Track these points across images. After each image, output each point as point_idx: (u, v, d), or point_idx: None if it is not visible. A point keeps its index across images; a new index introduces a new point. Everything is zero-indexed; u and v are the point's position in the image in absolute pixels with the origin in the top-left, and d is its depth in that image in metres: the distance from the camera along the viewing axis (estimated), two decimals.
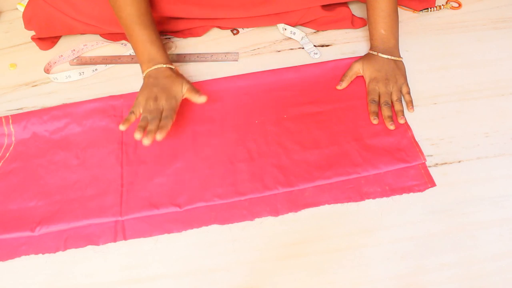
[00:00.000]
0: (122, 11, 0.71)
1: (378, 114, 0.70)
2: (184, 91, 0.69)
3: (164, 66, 0.70)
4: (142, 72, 0.71)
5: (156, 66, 0.70)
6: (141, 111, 0.67)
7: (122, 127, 0.64)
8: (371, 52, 0.76)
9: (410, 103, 0.71)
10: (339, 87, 0.74)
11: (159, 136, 0.63)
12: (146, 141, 0.62)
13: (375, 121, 0.69)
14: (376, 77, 0.73)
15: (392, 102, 0.72)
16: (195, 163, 0.68)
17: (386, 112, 0.70)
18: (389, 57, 0.74)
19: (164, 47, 0.73)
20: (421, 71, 0.77)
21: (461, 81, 0.75)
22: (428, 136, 0.69)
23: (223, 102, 0.75)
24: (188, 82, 0.70)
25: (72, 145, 0.72)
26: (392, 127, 0.69)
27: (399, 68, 0.74)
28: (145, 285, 0.59)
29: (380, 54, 0.74)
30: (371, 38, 0.77)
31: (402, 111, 0.70)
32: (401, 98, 0.72)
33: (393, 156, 0.66)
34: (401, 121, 0.69)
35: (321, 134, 0.69)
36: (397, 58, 0.75)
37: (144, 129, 0.64)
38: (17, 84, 0.83)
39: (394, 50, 0.76)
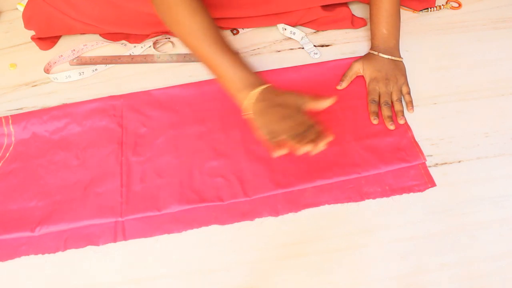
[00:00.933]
0: (194, 40, 0.63)
1: (378, 114, 0.70)
2: (301, 102, 0.62)
3: (265, 86, 0.62)
4: (242, 99, 0.62)
5: (259, 88, 0.62)
6: (282, 136, 0.59)
7: (279, 153, 0.59)
8: (371, 51, 0.76)
9: (410, 104, 0.71)
10: (339, 87, 0.74)
11: (330, 137, 0.58)
12: (315, 150, 0.58)
13: (375, 121, 0.69)
14: (376, 77, 0.73)
15: (392, 102, 0.72)
16: (195, 163, 0.68)
17: (386, 112, 0.70)
18: (389, 57, 0.74)
19: (252, 68, 0.64)
20: (421, 71, 0.77)
21: (461, 81, 0.75)
22: (428, 136, 0.69)
23: (223, 101, 0.75)
24: (299, 93, 0.63)
25: (72, 145, 0.72)
26: (392, 127, 0.69)
27: (399, 68, 0.74)
28: (145, 285, 0.59)
29: (380, 54, 0.74)
30: (372, 37, 0.77)
31: (402, 111, 0.70)
32: (401, 98, 0.72)
33: (393, 156, 0.66)
34: (401, 122, 0.69)
35: None
36: (397, 58, 0.75)
37: (302, 144, 0.58)
38: (17, 84, 0.83)
39: (395, 50, 0.76)
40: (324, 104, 0.63)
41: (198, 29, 0.62)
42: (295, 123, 0.60)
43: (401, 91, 0.73)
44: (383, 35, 0.75)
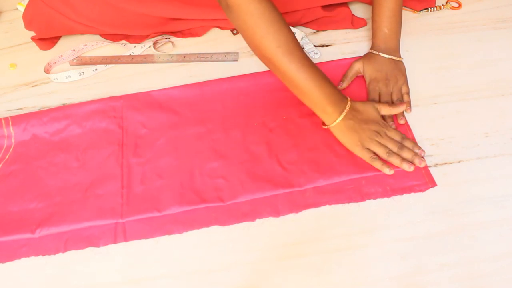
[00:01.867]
0: (289, 54, 0.62)
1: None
2: (379, 109, 0.67)
3: (348, 104, 0.65)
4: (329, 117, 0.65)
5: (345, 113, 0.64)
6: (375, 150, 0.64)
7: (391, 171, 0.63)
8: (372, 51, 0.76)
9: (408, 104, 0.71)
10: (339, 87, 0.74)
11: (423, 152, 0.65)
12: (424, 163, 0.63)
13: None
14: (376, 77, 0.73)
15: (392, 102, 0.72)
16: (196, 164, 0.68)
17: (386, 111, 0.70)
18: (390, 57, 0.74)
19: (331, 81, 0.66)
20: (421, 71, 0.77)
21: (461, 81, 0.75)
22: (428, 136, 0.69)
23: (223, 103, 0.75)
24: (374, 102, 0.68)
25: (72, 147, 0.72)
26: (392, 126, 0.68)
27: (399, 68, 0.74)
28: (146, 285, 0.59)
29: (381, 54, 0.74)
30: (374, 36, 0.77)
31: (403, 112, 0.70)
32: (401, 98, 0.72)
33: None
34: (401, 122, 0.69)
35: (321, 134, 0.69)
36: (398, 58, 0.75)
37: (405, 161, 0.63)
38: (17, 84, 0.83)
39: (396, 50, 0.76)
40: (399, 109, 0.68)
41: (285, 44, 0.61)
42: (386, 139, 0.64)
43: (400, 91, 0.73)
44: (385, 34, 0.75)
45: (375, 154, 0.64)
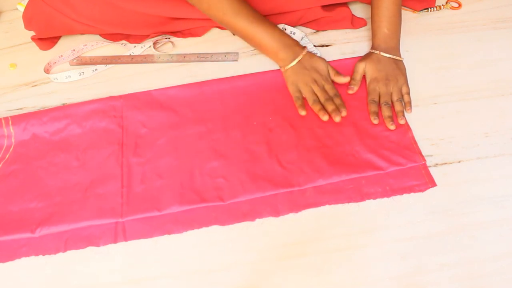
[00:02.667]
0: (234, 20, 0.74)
1: (378, 114, 0.70)
2: (328, 70, 0.75)
3: (304, 51, 0.75)
4: (280, 61, 0.75)
5: (300, 57, 0.74)
6: (305, 95, 0.73)
7: (303, 112, 0.71)
8: (372, 51, 0.76)
9: (408, 104, 0.71)
10: (350, 92, 0.74)
11: (344, 113, 0.70)
12: (338, 118, 0.69)
13: (375, 121, 0.69)
14: (376, 77, 0.73)
15: (392, 102, 0.72)
16: (196, 163, 0.68)
17: (386, 112, 0.70)
18: (391, 56, 0.74)
19: (285, 32, 0.77)
20: (421, 71, 0.77)
21: (461, 81, 0.75)
22: (428, 136, 0.69)
23: (223, 102, 0.75)
24: (326, 63, 0.75)
25: (72, 147, 0.72)
26: (392, 127, 0.69)
27: (399, 68, 0.74)
28: (146, 285, 0.59)
29: (382, 53, 0.74)
30: (374, 36, 0.77)
31: (403, 112, 0.70)
32: (401, 98, 0.72)
33: (393, 156, 0.66)
34: (401, 122, 0.69)
35: (321, 134, 0.69)
36: (398, 58, 0.75)
37: (323, 110, 0.70)
38: (17, 84, 0.83)
39: (396, 50, 0.76)
40: (343, 80, 0.74)
41: (231, 8, 0.73)
42: (319, 89, 0.72)
43: (401, 91, 0.73)
44: (385, 34, 0.76)
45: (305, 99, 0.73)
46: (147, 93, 0.77)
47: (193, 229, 0.62)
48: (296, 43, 0.76)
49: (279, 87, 0.76)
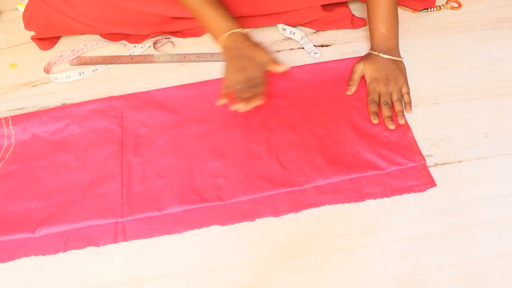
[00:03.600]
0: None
1: (378, 114, 0.70)
2: (266, 59, 0.71)
3: (237, 30, 0.72)
4: (219, 45, 0.73)
5: (229, 32, 0.71)
6: (232, 82, 0.69)
7: (221, 102, 0.69)
8: (371, 52, 0.76)
9: (408, 104, 0.71)
10: (349, 93, 0.74)
11: (258, 102, 0.67)
12: (244, 108, 0.66)
13: (375, 121, 0.69)
14: (376, 77, 0.73)
15: (392, 102, 0.72)
16: (196, 163, 0.68)
17: (386, 112, 0.70)
18: (390, 57, 0.74)
19: (235, 19, 0.74)
20: (421, 71, 0.77)
21: (461, 81, 0.75)
22: (428, 136, 0.69)
23: None
24: (267, 52, 0.72)
25: (72, 147, 0.72)
26: (392, 127, 0.69)
27: (399, 68, 0.74)
28: (146, 285, 0.59)
29: (381, 54, 0.74)
30: (372, 37, 0.77)
31: (403, 111, 0.70)
32: (401, 98, 0.72)
33: (393, 156, 0.66)
34: (401, 122, 0.69)
35: (321, 134, 0.69)
36: (398, 58, 0.75)
37: (240, 100, 0.67)
38: (17, 84, 0.83)
39: (395, 50, 0.76)
40: (279, 69, 0.71)
41: None
42: (248, 76, 0.69)
43: (401, 91, 0.73)
44: (383, 35, 0.75)
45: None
46: (147, 93, 0.77)
47: (193, 229, 0.62)
48: (236, 24, 0.73)
49: (279, 87, 0.76)
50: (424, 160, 0.65)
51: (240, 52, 0.71)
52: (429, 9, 0.86)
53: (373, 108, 0.71)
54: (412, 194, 0.63)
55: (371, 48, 0.77)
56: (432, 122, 0.70)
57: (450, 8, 0.86)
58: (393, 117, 0.70)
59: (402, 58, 0.76)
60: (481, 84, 0.74)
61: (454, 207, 0.62)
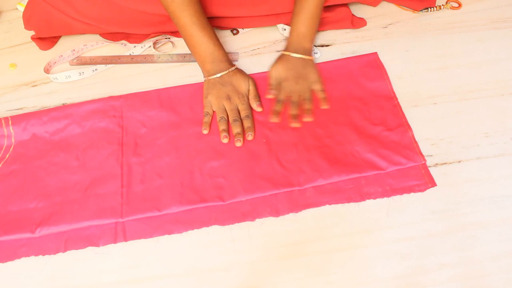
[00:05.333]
0: (181, 12, 0.71)
1: (279, 113, 0.71)
2: (249, 90, 0.73)
3: (230, 70, 0.73)
4: (206, 73, 0.74)
5: (223, 73, 0.72)
6: (215, 110, 0.71)
7: (205, 131, 0.70)
8: (282, 52, 0.76)
9: (323, 100, 0.72)
10: (270, 96, 0.73)
11: (251, 137, 0.69)
12: (240, 144, 0.68)
13: (273, 119, 0.70)
14: (287, 76, 0.73)
15: (301, 101, 0.72)
16: (196, 163, 0.68)
17: (292, 110, 0.71)
18: (300, 56, 0.74)
19: (223, 47, 0.75)
20: (421, 71, 0.77)
21: (461, 81, 0.75)
22: (428, 136, 0.69)
23: None
24: (253, 83, 0.74)
25: (72, 147, 0.72)
26: (296, 125, 0.69)
27: (309, 65, 0.75)
28: (145, 285, 0.59)
29: (291, 54, 0.74)
30: (290, 35, 0.77)
31: (310, 110, 0.71)
32: (310, 97, 0.72)
33: (393, 156, 0.66)
34: (307, 119, 0.70)
35: (321, 134, 0.69)
36: (307, 57, 0.75)
37: (227, 132, 0.69)
38: (17, 84, 0.83)
39: (307, 51, 0.76)
40: (255, 107, 0.72)
41: (193, 15, 0.71)
42: (231, 107, 0.70)
43: (310, 89, 0.73)
44: (300, 34, 0.75)
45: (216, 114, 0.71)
46: (147, 93, 0.77)
47: (193, 229, 0.62)
48: (228, 59, 0.74)
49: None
50: (424, 160, 0.65)
51: (224, 79, 0.72)
52: (429, 9, 0.86)
53: (276, 107, 0.71)
54: (412, 194, 0.63)
55: (285, 47, 0.77)
56: (432, 122, 0.70)
57: (450, 8, 0.86)
58: (299, 116, 0.70)
59: (313, 57, 0.76)
60: (481, 84, 0.74)
61: (454, 207, 0.62)
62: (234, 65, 0.74)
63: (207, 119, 0.71)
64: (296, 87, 0.72)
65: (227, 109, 0.71)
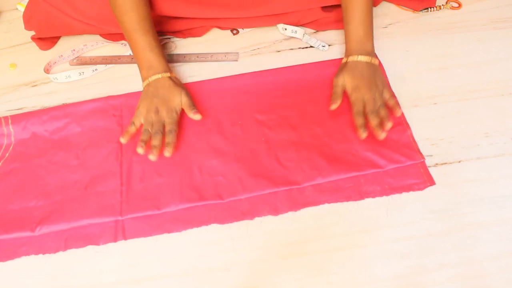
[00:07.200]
0: (122, 16, 0.72)
1: (366, 125, 0.66)
2: (182, 102, 0.71)
3: (162, 75, 0.72)
4: (142, 79, 0.73)
5: (155, 76, 0.71)
6: (142, 121, 0.69)
7: (123, 140, 0.67)
8: (347, 59, 0.73)
9: (396, 106, 0.68)
10: (333, 107, 0.69)
11: (168, 153, 0.65)
12: (152, 157, 0.65)
13: (364, 134, 0.64)
14: (357, 85, 0.69)
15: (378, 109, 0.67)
16: (195, 162, 0.68)
17: (374, 120, 0.65)
18: (367, 60, 0.71)
19: (164, 54, 0.74)
20: (421, 71, 0.77)
21: (461, 81, 0.75)
22: (428, 136, 0.69)
23: (222, 101, 0.75)
24: (186, 94, 0.72)
25: (72, 145, 0.72)
26: (382, 135, 0.64)
27: (378, 71, 0.72)
28: (145, 285, 0.59)
29: (359, 57, 0.71)
30: (348, 41, 0.74)
31: (388, 117, 0.66)
32: (384, 103, 0.68)
33: (392, 154, 0.65)
34: (389, 126, 0.65)
35: (320, 132, 0.69)
36: (375, 62, 0.72)
37: (146, 143, 0.66)
38: (17, 84, 0.83)
39: (372, 53, 0.73)
40: (192, 116, 0.70)
41: (135, 19, 0.71)
42: (156, 119, 0.68)
43: (383, 96, 0.69)
44: (360, 37, 0.73)
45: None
46: None
47: (192, 228, 0.62)
48: (164, 68, 0.73)
49: (278, 86, 0.76)
50: (423, 158, 0.65)
51: (157, 91, 0.70)
52: (429, 9, 0.86)
53: (361, 120, 0.66)
54: (411, 193, 0.63)
55: (347, 53, 0.74)
56: (432, 122, 0.70)
57: (450, 8, 0.86)
58: (382, 124, 0.66)
59: (379, 60, 0.74)
60: (481, 84, 0.74)
61: (454, 207, 0.62)
62: (168, 73, 0.72)
63: (131, 129, 0.68)
64: (370, 95, 0.68)
65: (152, 121, 0.68)
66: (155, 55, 0.72)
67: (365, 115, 0.67)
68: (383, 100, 0.69)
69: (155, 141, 0.66)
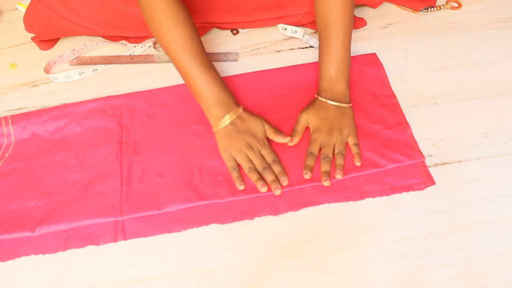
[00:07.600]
0: (180, 54, 0.66)
1: (312, 168, 0.64)
2: (266, 129, 0.67)
3: (238, 110, 0.67)
4: (211, 117, 0.67)
5: (233, 114, 0.66)
6: (240, 162, 0.65)
7: (241, 187, 0.63)
8: (318, 98, 0.70)
9: (357, 155, 0.65)
10: (290, 144, 0.67)
11: (286, 182, 0.63)
12: (278, 191, 0.62)
13: (306, 176, 0.64)
14: (319, 126, 0.67)
15: (333, 155, 0.66)
16: (195, 162, 0.68)
17: (324, 166, 0.64)
18: (336, 103, 0.68)
19: (227, 87, 0.68)
20: (421, 71, 0.77)
21: (461, 81, 0.75)
22: (428, 136, 0.69)
23: None
24: (265, 120, 0.68)
25: (72, 145, 0.72)
26: (326, 183, 0.63)
27: (346, 116, 0.68)
28: (145, 285, 0.59)
29: (328, 101, 0.68)
30: (319, 78, 0.71)
31: (342, 166, 0.64)
32: (343, 151, 0.66)
33: (392, 154, 0.65)
34: (338, 176, 0.63)
35: None
36: (345, 105, 0.68)
37: (262, 179, 0.63)
38: (17, 84, 0.83)
39: (343, 96, 0.69)
40: (282, 140, 0.66)
41: (180, 39, 0.65)
42: (256, 155, 0.65)
43: (344, 142, 0.66)
44: (332, 77, 0.69)
45: (239, 165, 0.65)
46: (147, 92, 0.77)
47: (192, 228, 0.62)
48: (233, 100, 0.67)
49: (278, 86, 0.76)
50: (423, 157, 0.65)
51: (238, 127, 0.66)
52: (429, 9, 0.86)
53: (308, 161, 0.65)
54: (411, 193, 0.63)
55: (318, 92, 0.71)
56: (432, 122, 0.70)
57: (450, 8, 0.86)
58: (331, 172, 0.64)
59: (351, 104, 0.70)
60: (481, 84, 0.74)
61: (454, 207, 0.62)
62: (240, 106, 0.68)
63: (236, 174, 0.64)
64: (330, 140, 0.66)
65: (251, 158, 0.65)
66: (223, 90, 0.67)
67: (318, 158, 0.66)
68: (342, 147, 0.66)
69: (270, 177, 0.63)
